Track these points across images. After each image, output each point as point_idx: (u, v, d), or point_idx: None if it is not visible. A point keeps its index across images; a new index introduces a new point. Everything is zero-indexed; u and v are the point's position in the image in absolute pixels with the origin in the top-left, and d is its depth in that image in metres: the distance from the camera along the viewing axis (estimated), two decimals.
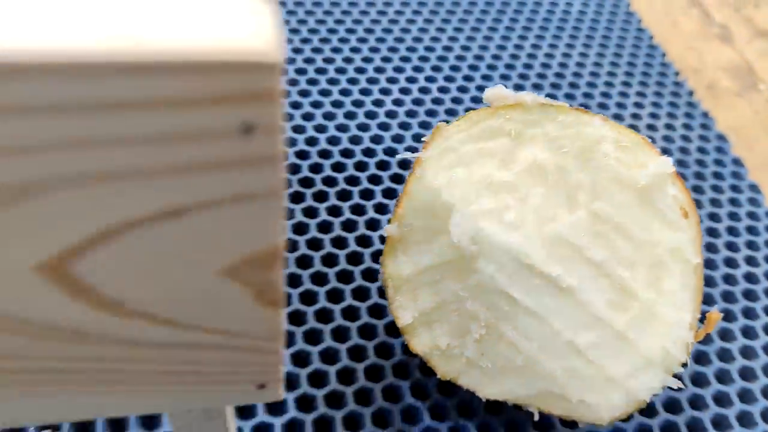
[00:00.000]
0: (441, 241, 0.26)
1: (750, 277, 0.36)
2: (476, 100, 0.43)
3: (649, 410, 0.30)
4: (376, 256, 0.34)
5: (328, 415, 0.28)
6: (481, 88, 0.43)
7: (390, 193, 0.37)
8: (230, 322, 0.14)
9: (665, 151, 0.42)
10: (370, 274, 0.33)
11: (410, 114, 0.41)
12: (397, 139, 0.40)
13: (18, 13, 0.09)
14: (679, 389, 0.30)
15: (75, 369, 0.15)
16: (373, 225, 0.35)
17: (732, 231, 0.38)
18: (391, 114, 0.41)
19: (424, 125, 0.41)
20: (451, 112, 0.42)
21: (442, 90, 0.43)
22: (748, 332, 0.34)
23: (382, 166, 0.38)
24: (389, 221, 0.27)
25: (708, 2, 0.57)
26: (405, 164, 0.38)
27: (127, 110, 0.09)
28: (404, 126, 0.41)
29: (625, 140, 0.26)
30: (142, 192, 0.11)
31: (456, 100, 0.43)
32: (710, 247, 0.37)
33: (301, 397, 0.29)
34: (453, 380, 0.27)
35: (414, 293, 0.26)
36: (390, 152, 0.39)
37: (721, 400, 0.31)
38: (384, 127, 0.40)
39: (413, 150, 0.39)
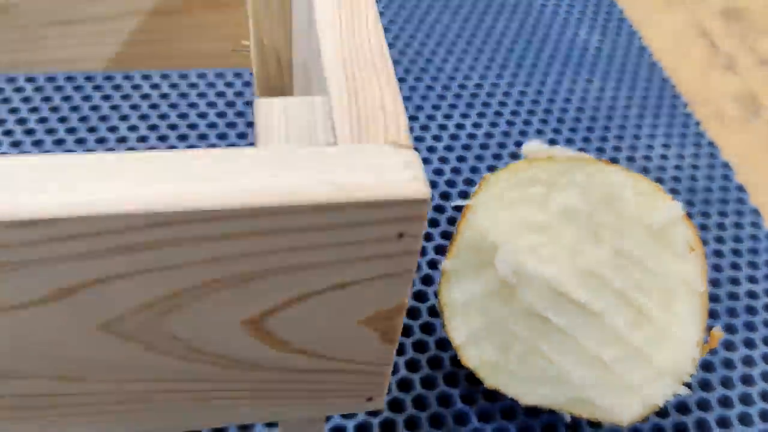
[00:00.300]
0: (488, 273, 0.31)
1: (751, 294, 0.41)
2: (502, 141, 0.48)
3: (662, 412, 0.35)
4: (425, 281, 0.39)
5: (390, 418, 0.34)
6: (510, 123, 0.49)
7: (446, 235, 0.42)
8: (360, 355, 0.19)
9: (675, 180, 0.47)
10: (419, 296, 0.38)
11: (460, 159, 0.46)
12: (451, 183, 0.45)
13: (268, 170, 0.14)
14: (688, 395, 0.36)
15: (243, 388, 0.20)
16: (434, 263, 0.40)
17: (735, 252, 0.43)
18: (443, 159, 0.46)
19: (474, 170, 0.45)
20: (497, 157, 0.47)
21: (488, 135, 0.48)
22: (749, 343, 0.39)
23: (439, 209, 0.43)
24: (446, 258, 0.32)
25: (715, 33, 0.62)
26: (458, 207, 0.43)
27: (332, 230, 0.15)
28: (456, 171, 0.45)
29: (642, 187, 0.32)
30: (326, 274, 0.16)
31: (501, 145, 0.48)
32: (716, 267, 0.42)
33: None
34: (497, 389, 0.32)
35: (466, 317, 0.32)
36: (445, 196, 0.44)
37: (725, 402, 0.36)
38: (438, 172, 0.45)
39: (465, 195, 0.44)
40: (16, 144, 0.42)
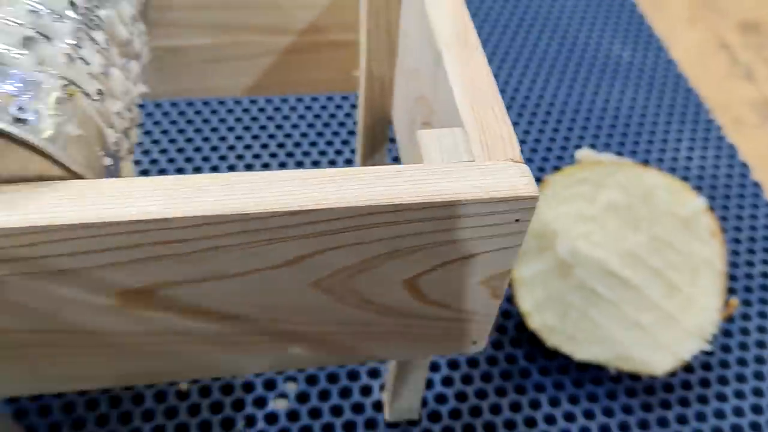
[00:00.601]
0: (549, 255, 0.39)
1: (765, 274, 0.49)
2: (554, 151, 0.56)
3: (689, 368, 0.43)
4: None
5: (468, 373, 0.42)
6: (555, 131, 0.56)
7: None
8: (476, 307, 0.28)
9: (699, 178, 0.55)
10: None
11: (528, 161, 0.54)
12: None
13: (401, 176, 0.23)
14: (711, 353, 0.43)
15: (392, 331, 0.28)
16: None
17: (751, 239, 0.51)
18: None
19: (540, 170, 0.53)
20: (557, 168, 0.55)
21: (536, 141, 0.56)
22: (763, 314, 0.46)
23: None
24: None
25: (734, 46, 0.69)
26: None
27: (474, 217, 0.23)
28: None
29: (672, 185, 0.39)
30: (464, 248, 0.24)
31: (548, 149, 0.56)
32: (734, 252, 0.50)
33: (451, 361, 0.42)
34: (555, 348, 0.40)
35: (531, 289, 0.40)
36: None
37: (742, 362, 0.44)
38: None
39: None
40: (171, 161, 0.51)
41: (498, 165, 0.23)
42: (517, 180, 0.23)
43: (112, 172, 0.25)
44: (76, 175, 0.22)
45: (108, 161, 0.25)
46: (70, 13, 0.24)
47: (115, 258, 0.22)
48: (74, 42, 0.23)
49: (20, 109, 0.20)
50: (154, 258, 0.22)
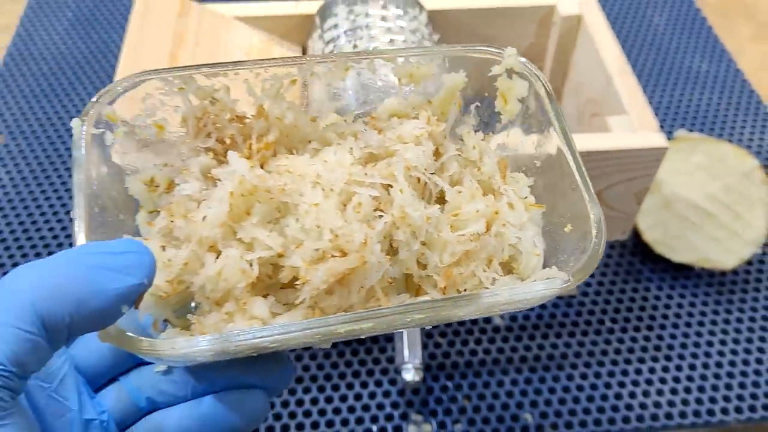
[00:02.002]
0: (657, 195, 0.64)
1: None
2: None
3: (749, 263, 0.66)
4: None
5: (608, 262, 0.67)
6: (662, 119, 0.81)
7: None
8: (628, 209, 0.53)
9: (758, 153, 0.78)
10: None
11: None
12: None
13: None
14: (763, 254, 0.67)
15: None
16: None
17: None
18: None
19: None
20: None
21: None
22: None
23: None
24: None
25: None
26: None
27: (635, 157, 0.48)
28: None
29: (737, 152, 0.63)
30: (628, 175, 0.50)
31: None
32: None
33: None
34: (661, 254, 0.65)
35: (645, 216, 0.64)
36: None
37: None
38: None
39: None
40: None
41: (647, 133, 0.49)
42: (658, 139, 0.48)
43: None
44: None
45: None
46: None
47: None
48: None
49: None
50: None
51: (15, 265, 0.65)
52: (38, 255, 0.66)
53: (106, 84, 0.80)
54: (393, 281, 0.30)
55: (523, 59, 0.33)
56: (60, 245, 0.67)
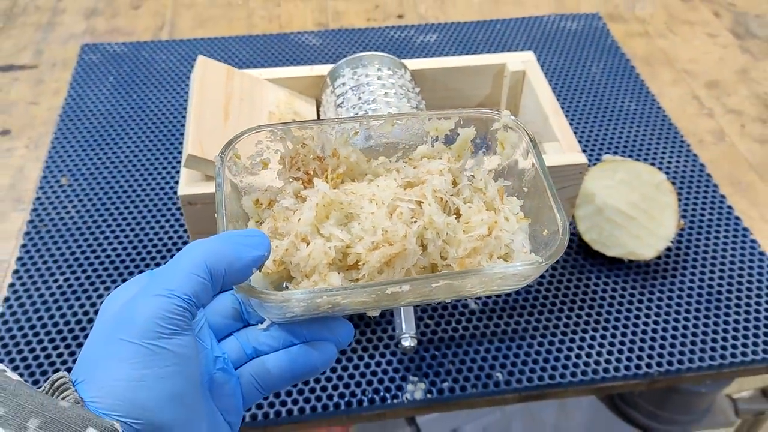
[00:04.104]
0: (591, 204, 0.83)
1: (696, 207, 0.91)
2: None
3: (665, 255, 0.85)
4: None
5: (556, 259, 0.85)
6: (591, 145, 1.00)
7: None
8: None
9: (667, 170, 0.97)
10: None
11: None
12: None
13: None
14: (670, 248, 0.86)
15: None
16: None
17: (687, 193, 0.93)
18: None
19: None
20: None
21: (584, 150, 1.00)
22: (694, 229, 0.88)
23: None
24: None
25: (701, 96, 1.12)
26: None
27: (565, 172, 0.67)
28: None
29: (650, 170, 0.83)
30: (563, 183, 0.68)
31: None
32: (683, 200, 0.92)
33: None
34: (598, 250, 0.83)
35: (583, 220, 0.83)
36: None
37: (686, 253, 0.86)
38: None
39: None
40: None
41: (573, 154, 0.68)
42: (580, 158, 0.67)
43: None
44: None
45: None
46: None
47: None
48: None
49: None
50: None
51: (80, 282, 0.82)
52: (99, 276, 0.82)
53: (146, 132, 0.99)
54: (423, 269, 0.41)
55: (513, 118, 0.47)
56: (119, 265, 0.84)
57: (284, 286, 0.41)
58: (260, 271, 0.39)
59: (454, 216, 0.43)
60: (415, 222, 0.41)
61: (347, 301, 0.38)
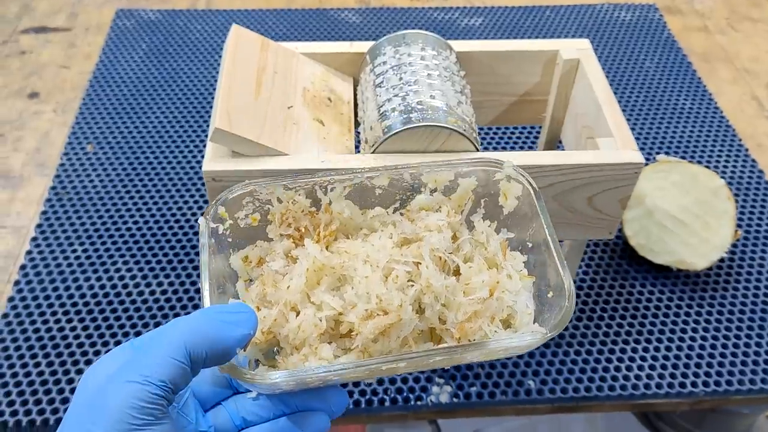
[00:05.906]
0: (641, 206, 0.77)
1: (754, 216, 0.84)
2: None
3: (719, 266, 0.79)
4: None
5: (599, 263, 0.79)
6: (651, 143, 0.94)
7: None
8: (612, 213, 0.66)
9: (724, 174, 0.91)
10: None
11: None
12: None
13: None
14: (723, 260, 0.80)
15: (574, 222, 0.67)
16: None
17: (744, 201, 0.87)
18: None
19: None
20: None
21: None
22: (750, 240, 0.82)
23: None
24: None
25: (761, 98, 1.04)
26: None
27: (619, 171, 0.62)
28: None
29: (707, 173, 0.77)
30: (614, 183, 0.63)
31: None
32: (740, 207, 0.86)
33: (590, 255, 0.80)
34: (644, 256, 0.77)
35: (631, 224, 0.77)
36: None
37: (740, 263, 0.80)
38: None
39: None
40: None
41: (628, 152, 0.62)
42: (636, 156, 0.62)
43: None
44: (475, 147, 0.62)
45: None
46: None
47: None
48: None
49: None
50: None
51: (98, 254, 0.79)
52: (118, 249, 0.79)
53: (176, 103, 0.95)
54: (421, 333, 0.40)
55: (517, 168, 0.44)
56: (140, 239, 0.80)
57: (275, 350, 0.40)
58: (245, 350, 0.38)
59: (454, 275, 0.42)
60: (412, 286, 0.39)
61: (341, 373, 0.37)
